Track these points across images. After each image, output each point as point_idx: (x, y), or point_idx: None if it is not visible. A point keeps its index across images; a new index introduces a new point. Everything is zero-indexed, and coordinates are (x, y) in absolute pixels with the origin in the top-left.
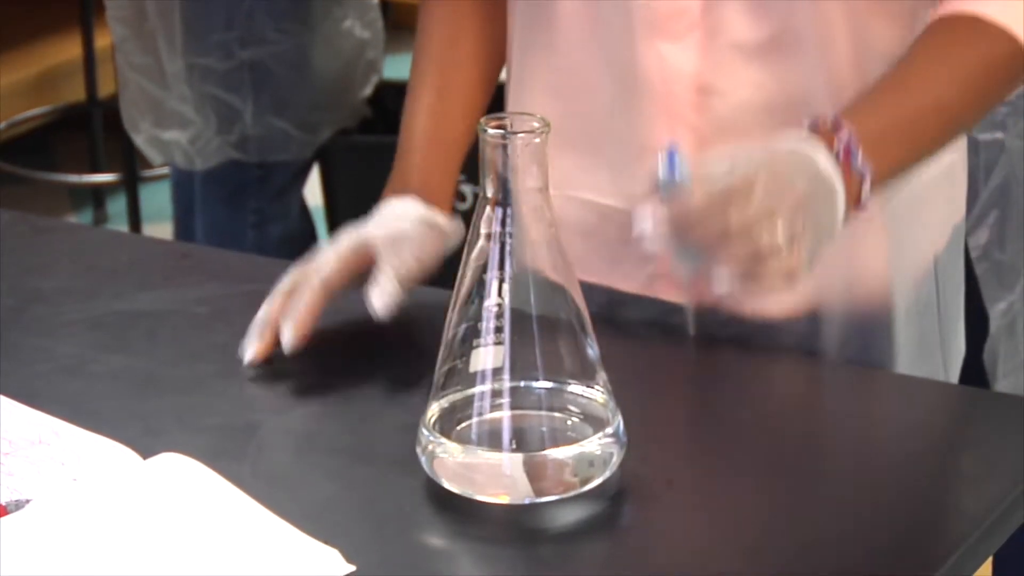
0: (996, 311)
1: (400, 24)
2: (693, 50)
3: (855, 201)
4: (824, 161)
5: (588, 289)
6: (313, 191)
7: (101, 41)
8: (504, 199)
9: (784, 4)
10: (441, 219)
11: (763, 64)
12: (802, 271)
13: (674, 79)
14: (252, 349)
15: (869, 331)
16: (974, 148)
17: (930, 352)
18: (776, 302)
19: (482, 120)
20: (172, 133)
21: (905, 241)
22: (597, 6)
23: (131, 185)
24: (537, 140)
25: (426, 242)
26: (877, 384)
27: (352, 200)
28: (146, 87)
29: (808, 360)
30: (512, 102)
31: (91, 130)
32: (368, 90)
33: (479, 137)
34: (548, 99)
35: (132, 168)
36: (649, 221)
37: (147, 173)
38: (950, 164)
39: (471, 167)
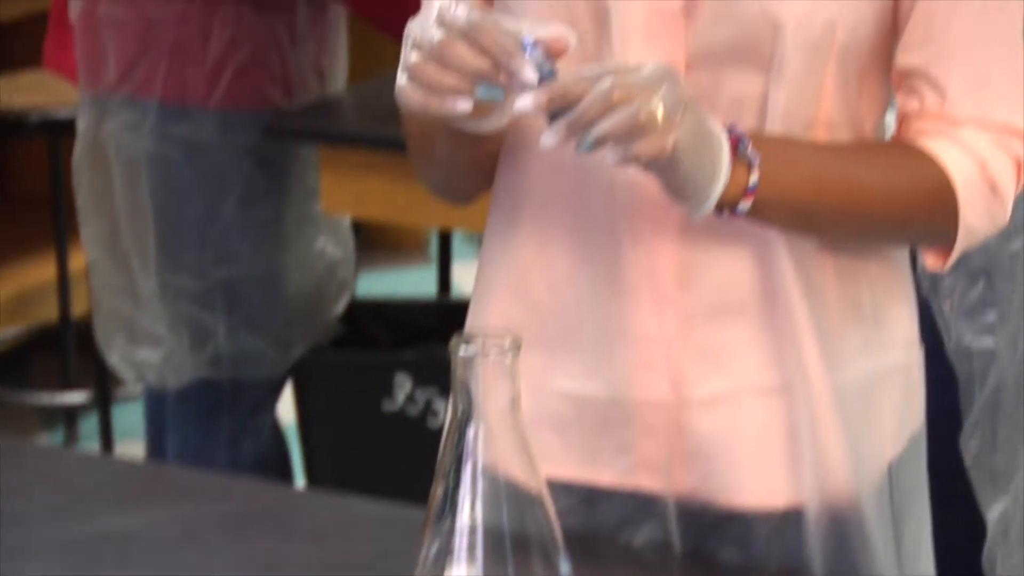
0: (991, 516)
1: (372, 243)
2: (676, 231)
3: (741, 190)
4: (714, 123)
5: (564, 487)
6: (287, 409)
7: (75, 261)
8: (475, 417)
9: None
10: None
11: (741, 240)
12: (675, 155)
13: (657, 260)
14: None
15: (844, 532)
16: (967, 356)
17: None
18: (752, 495)
19: (453, 339)
20: (145, 352)
21: (861, 444)
22: (581, 197)
23: (103, 404)
24: (509, 358)
25: None
26: None
27: (326, 418)
28: (119, 306)
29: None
30: (480, 307)
31: (64, 349)
32: (340, 308)
33: (450, 355)
34: (520, 297)
35: (104, 387)
36: (530, 98)
37: (119, 392)
38: (905, 367)
39: (444, 383)
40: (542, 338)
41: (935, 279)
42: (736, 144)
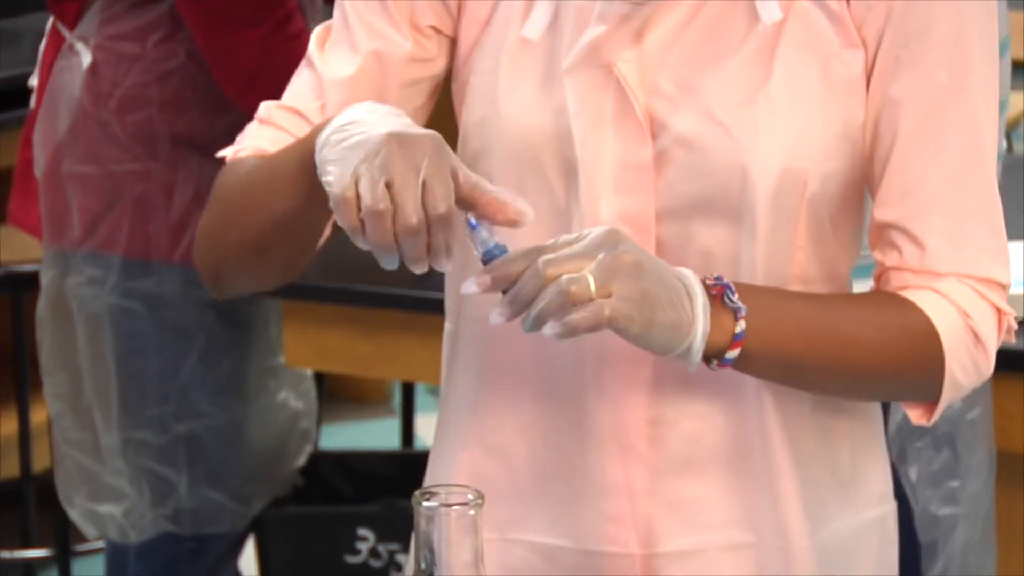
0: None
1: (334, 395)
2: (646, 383)
3: (728, 338)
4: (687, 273)
5: None
6: (248, 563)
7: (38, 417)
8: (438, 570)
9: None
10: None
11: (713, 395)
12: (616, 324)
13: (625, 413)
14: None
15: None
16: (934, 523)
17: None
18: None
19: (416, 493)
20: (107, 507)
21: None
22: (548, 345)
23: (63, 560)
24: (471, 512)
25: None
26: None
27: (288, 572)
28: (81, 461)
29: None
30: (444, 458)
31: (24, 505)
32: (302, 460)
33: (413, 509)
34: (486, 447)
35: (65, 542)
36: (473, 283)
37: (80, 548)
38: (880, 520)
39: (407, 536)
40: (510, 489)
41: (903, 447)
42: (721, 294)
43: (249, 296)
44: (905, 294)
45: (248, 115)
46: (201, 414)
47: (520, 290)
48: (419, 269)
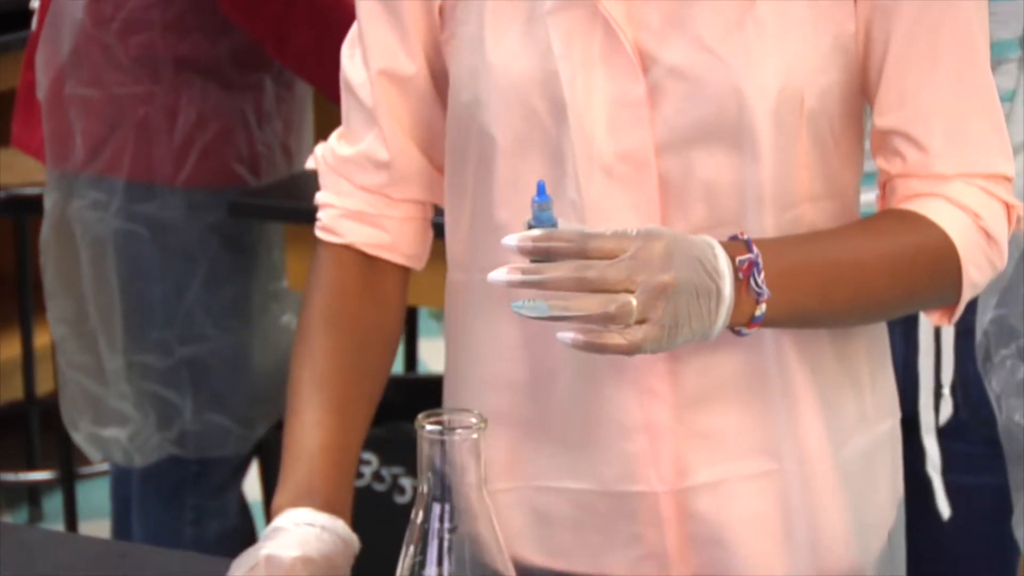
0: None
1: None
2: None
3: (747, 320)
4: (722, 264)
5: None
6: (252, 486)
7: (41, 340)
8: (442, 495)
9: None
10: (343, 530)
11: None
12: (644, 349)
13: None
14: None
15: None
16: (1017, 433)
17: None
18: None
19: (419, 416)
20: (111, 430)
21: (864, 516)
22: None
23: (67, 483)
24: (475, 436)
25: (338, 561)
26: None
27: None
28: (86, 385)
29: None
30: (453, 399)
31: (28, 428)
32: None
33: (417, 433)
34: (505, 391)
35: (69, 466)
36: (515, 240)
37: (84, 470)
38: (891, 433)
39: (410, 460)
40: (534, 437)
41: (988, 355)
42: (748, 274)
43: (252, 220)
44: (914, 207)
45: (249, 37)
46: (205, 338)
47: (553, 275)
48: None
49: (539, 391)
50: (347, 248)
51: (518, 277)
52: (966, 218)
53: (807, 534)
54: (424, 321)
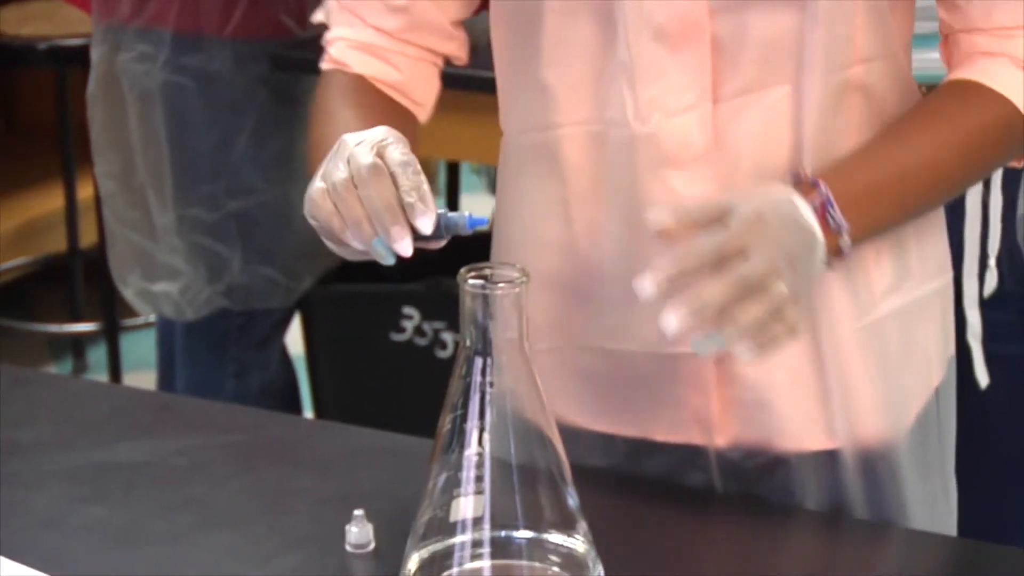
0: None
1: None
2: (703, 179)
3: (835, 252)
4: (807, 214)
5: (612, 440)
6: (295, 341)
7: (83, 192)
8: (484, 349)
9: (796, 128)
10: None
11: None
12: (799, 328)
13: None
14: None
15: (877, 472)
16: None
17: (936, 490)
18: (792, 440)
19: (462, 270)
20: (162, 285)
21: (902, 378)
22: (603, 150)
23: (111, 334)
24: (517, 290)
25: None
26: (882, 541)
27: (334, 350)
28: (135, 241)
29: (805, 514)
30: (500, 258)
31: (72, 280)
32: None
33: (459, 287)
34: (550, 251)
35: (112, 318)
36: (651, 286)
37: (127, 322)
38: (942, 291)
39: (452, 315)
40: (578, 296)
41: None
42: (824, 212)
43: (299, 72)
44: (975, 74)
45: None
46: (253, 190)
47: (713, 295)
48: (399, 235)
49: (585, 252)
50: (359, 77)
51: (683, 313)
52: None
53: (840, 399)
54: (466, 176)
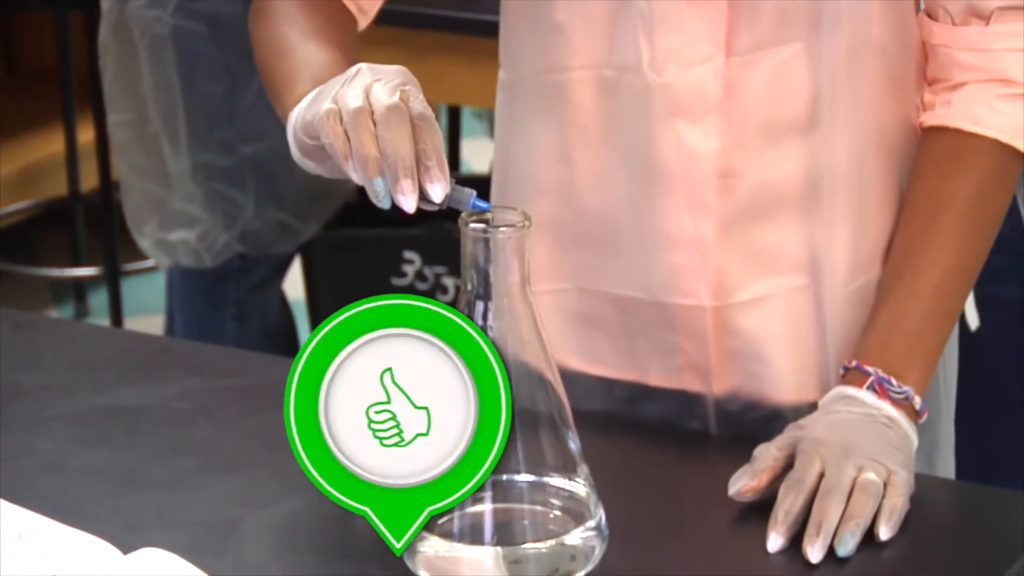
0: None
1: None
2: (714, 132)
3: (913, 415)
4: (887, 408)
5: (610, 384)
6: (294, 285)
7: (84, 136)
8: (485, 293)
9: (809, 85)
10: None
11: (786, 143)
12: (909, 487)
13: (694, 163)
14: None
15: None
16: None
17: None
18: (788, 391)
19: (463, 214)
20: (179, 233)
21: None
22: (614, 96)
23: (113, 279)
24: (519, 234)
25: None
26: None
27: (334, 294)
28: (150, 190)
29: None
30: (500, 200)
31: (73, 224)
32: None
33: (460, 231)
34: (552, 194)
35: (114, 262)
36: (783, 540)
37: (129, 267)
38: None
39: (453, 259)
40: (583, 239)
41: None
42: (884, 391)
43: None
44: (956, 120)
45: None
46: (265, 135)
47: (826, 516)
48: (409, 189)
49: (586, 197)
50: None
51: (786, 527)
52: (1017, 102)
53: (837, 351)
54: (467, 121)
